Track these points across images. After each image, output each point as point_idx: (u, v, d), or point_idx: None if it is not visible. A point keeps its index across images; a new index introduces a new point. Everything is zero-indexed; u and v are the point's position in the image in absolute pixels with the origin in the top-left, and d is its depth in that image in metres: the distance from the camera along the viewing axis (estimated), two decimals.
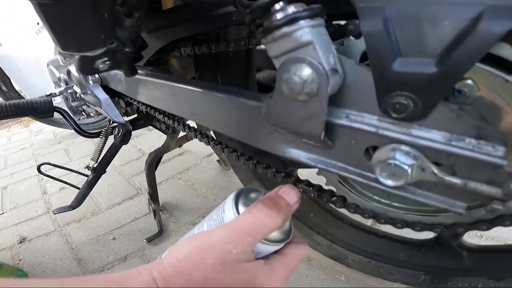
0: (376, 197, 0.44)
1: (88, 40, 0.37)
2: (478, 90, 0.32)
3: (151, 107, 0.81)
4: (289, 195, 0.36)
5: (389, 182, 0.30)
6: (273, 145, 0.40)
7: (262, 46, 0.42)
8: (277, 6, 0.28)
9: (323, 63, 0.27)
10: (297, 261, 0.37)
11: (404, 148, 0.29)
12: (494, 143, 0.26)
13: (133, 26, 0.41)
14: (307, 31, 0.27)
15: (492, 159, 0.26)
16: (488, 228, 0.36)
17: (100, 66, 0.43)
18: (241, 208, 0.35)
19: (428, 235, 0.77)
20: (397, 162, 0.29)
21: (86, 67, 0.42)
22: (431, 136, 0.28)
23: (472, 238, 0.80)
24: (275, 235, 0.35)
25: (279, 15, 0.28)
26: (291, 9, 0.28)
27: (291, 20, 0.27)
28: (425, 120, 0.27)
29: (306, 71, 0.28)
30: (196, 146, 1.50)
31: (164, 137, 1.73)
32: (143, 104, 0.84)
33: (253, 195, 0.37)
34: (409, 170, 0.28)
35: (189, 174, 1.34)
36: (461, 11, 0.22)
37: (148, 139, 1.80)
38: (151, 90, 0.62)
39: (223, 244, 0.33)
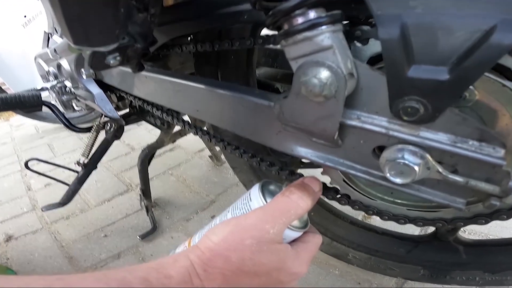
0: (380, 195, 0.46)
1: (102, 35, 0.38)
2: (477, 94, 0.34)
3: (147, 102, 0.81)
4: (314, 184, 0.40)
5: (397, 180, 0.32)
6: (282, 143, 0.41)
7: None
8: (299, 10, 0.29)
9: (341, 67, 0.29)
10: (316, 248, 0.40)
11: (412, 148, 0.31)
12: (494, 145, 0.28)
13: (146, 22, 0.41)
14: (328, 36, 0.29)
15: (493, 160, 0.28)
16: (486, 222, 0.38)
17: (111, 61, 0.43)
18: (268, 198, 0.39)
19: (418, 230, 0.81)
20: (406, 161, 0.31)
21: (97, 63, 0.42)
22: (438, 138, 0.30)
23: (462, 233, 0.85)
24: (297, 223, 0.39)
25: (300, 19, 0.29)
26: (313, 14, 0.29)
27: (314, 25, 0.28)
28: (433, 123, 0.29)
29: (325, 75, 0.29)
30: (187, 141, 1.49)
31: (154, 132, 1.73)
32: (138, 98, 0.84)
33: (272, 186, 0.41)
34: (417, 169, 0.31)
35: (180, 170, 1.34)
36: (475, 23, 0.24)
37: (137, 134, 1.77)
38: (153, 85, 0.62)
39: (262, 224, 0.35)
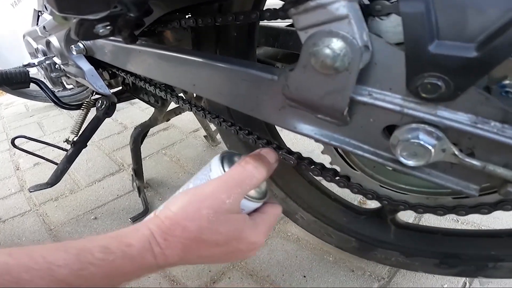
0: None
1: (92, 1, 0.34)
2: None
3: (140, 79, 0.77)
4: (270, 155, 0.41)
5: (410, 162, 0.30)
6: (284, 120, 0.39)
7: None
8: None
9: (357, 38, 0.27)
10: (275, 219, 0.42)
11: (428, 128, 0.29)
12: None
13: None
14: (343, 4, 0.26)
15: None
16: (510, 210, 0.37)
17: (100, 31, 0.39)
18: (227, 168, 0.40)
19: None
20: (421, 142, 0.29)
21: (85, 32, 0.39)
22: (457, 117, 0.28)
23: (449, 222, 0.84)
24: (255, 193, 0.39)
25: None
26: None
27: None
28: (452, 102, 0.27)
29: (339, 45, 0.27)
30: (181, 121, 1.46)
31: (147, 111, 1.69)
32: (131, 75, 0.80)
33: (235, 157, 0.42)
34: (432, 150, 0.29)
35: (174, 150, 1.31)
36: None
37: (130, 112, 1.73)
38: (147, 60, 0.58)
39: (217, 194, 0.36)
